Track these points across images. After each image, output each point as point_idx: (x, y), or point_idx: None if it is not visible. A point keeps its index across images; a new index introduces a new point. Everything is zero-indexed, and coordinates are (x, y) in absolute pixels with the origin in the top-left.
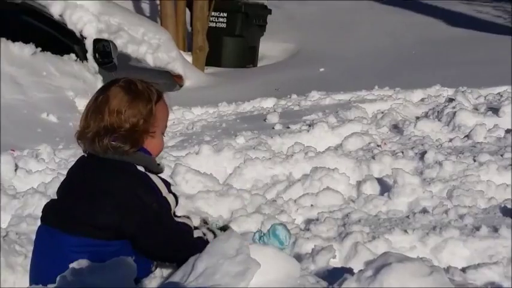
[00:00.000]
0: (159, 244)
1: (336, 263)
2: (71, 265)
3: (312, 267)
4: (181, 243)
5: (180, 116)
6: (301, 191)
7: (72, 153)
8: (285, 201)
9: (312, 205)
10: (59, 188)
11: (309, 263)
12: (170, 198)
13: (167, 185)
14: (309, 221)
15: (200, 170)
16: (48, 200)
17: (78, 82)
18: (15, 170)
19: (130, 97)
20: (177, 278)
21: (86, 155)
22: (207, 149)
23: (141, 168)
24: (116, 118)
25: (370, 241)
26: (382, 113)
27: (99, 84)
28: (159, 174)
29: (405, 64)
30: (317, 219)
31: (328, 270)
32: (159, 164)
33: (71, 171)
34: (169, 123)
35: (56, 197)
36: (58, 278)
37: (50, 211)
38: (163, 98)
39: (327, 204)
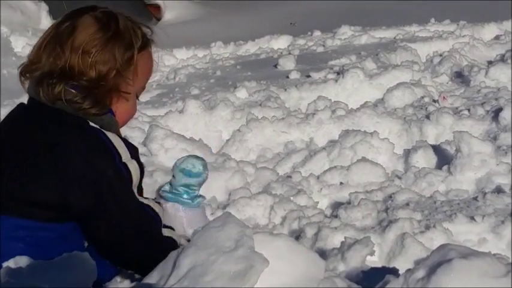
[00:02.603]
0: (111, 228)
1: (375, 261)
2: (6, 264)
3: (342, 267)
4: (142, 231)
5: (157, 61)
6: (327, 163)
7: (7, 112)
8: (303, 178)
9: (341, 183)
10: None
11: (337, 261)
12: (132, 166)
13: (132, 148)
14: (337, 205)
15: (185, 135)
16: None
17: (14, 13)
18: None
19: (106, 36)
20: (152, 280)
21: (24, 104)
22: (195, 105)
23: (94, 124)
24: (80, 59)
25: (423, 232)
26: (441, 55)
27: (44, 16)
28: None
29: None
30: (349, 203)
31: (364, 271)
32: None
33: (3, 125)
34: None
35: None
36: None
37: None
38: (150, 47)
39: (362, 181)
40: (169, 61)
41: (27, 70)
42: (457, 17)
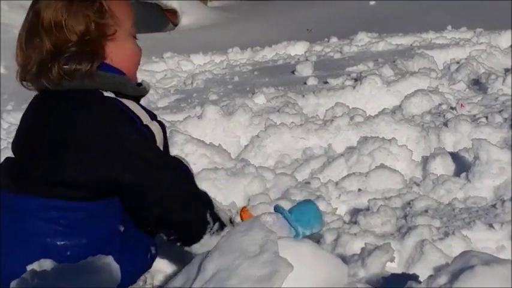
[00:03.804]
0: (151, 187)
1: (394, 268)
2: (31, 267)
3: (362, 273)
4: (181, 182)
5: (174, 67)
6: (345, 170)
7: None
8: (322, 184)
9: (360, 189)
10: (13, 142)
11: (357, 268)
12: (154, 127)
13: (150, 112)
14: (356, 211)
15: (205, 140)
16: (1, 161)
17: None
18: None
19: (66, 0)
20: (177, 283)
21: (38, 94)
22: (214, 111)
23: (109, 94)
24: (58, 34)
25: (442, 239)
26: (458, 63)
27: None
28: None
29: None
30: (367, 209)
31: (384, 277)
32: (140, 84)
33: (24, 118)
34: (160, 75)
35: (10, 156)
36: (16, 281)
37: (5, 173)
38: None
39: (381, 188)
40: (187, 66)
41: (24, 74)
42: (474, 25)
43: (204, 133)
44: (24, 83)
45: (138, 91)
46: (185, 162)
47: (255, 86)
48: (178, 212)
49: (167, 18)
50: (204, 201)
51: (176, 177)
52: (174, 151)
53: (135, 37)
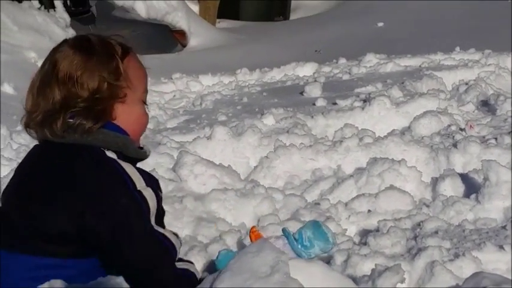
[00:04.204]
0: (126, 258)
1: None
2: (40, 287)
3: None
4: (156, 261)
5: (183, 88)
6: (355, 191)
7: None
8: (332, 205)
9: (369, 210)
10: (3, 192)
11: None
12: (147, 193)
13: (148, 177)
14: (365, 232)
15: (214, 161)
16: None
17: (42, 39)
18: None
19: (85, 56)
20: None
21: (39, 144)
22: (223, 132)
23: (111, 155)
24: (70, 87)
25: (452, 260)
26: (467, 84)
27: None
28: (144, 161)
29: (499, 17)
30: (377, 230)
31: None
32: (141, 148)
33: (19, 167)
34: (169, 96)
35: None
36: None
37: None
38: (133, 53)
39: (390, 209)
40: (195, 87)
41: (29, 121)
42: (482, 46)
43: (213, 154)
44: (28, 129)
45: (140, 154)
46: (173, 239)
47: (264, 106)
48: (146, 282)
49: (176, 39)
50: (177, 279)
51: (155, 256)
52: (183, 171)
53: (145, 103)
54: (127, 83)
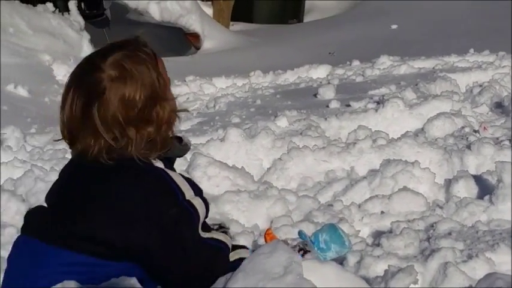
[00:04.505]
0: (178, 265)
1: None
2: (54, 287)
3: None
4: (210, 266)
5: (197, 90)
6: (368, 192)
7: (49, 140)
8: (345, 206)
9: (382, 212)
10: (48, 193)
11: None
12: (197, 202)
13: (195, 186)
14: (379, 234)
15: (227, 163)
16: (33, 207)
17: (56, 42)
18: None
19: (133, 90)
20: None
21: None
22: (236, 134)
23: (158, 164)
24: (129, 131)
25: (465, 261)
26: (481, 86)
27: (86, 45)
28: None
29: None
30: (390, 231)
31: None
32: (181, 141)
33: (65, 172)
34: (183, 98)
35: (43, 205)
36: None
37: (35, 219)
38: (151, 50)
39: (403, 210)
40: (209, 89)
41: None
42: (496, 48)
43: (226, 156)
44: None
45: (182, 151)
46: (221, 237)
47: (278, 109)
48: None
49: (189, 42)
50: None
51: (207, 262)
52: (197, 173)
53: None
54: (167, 90)
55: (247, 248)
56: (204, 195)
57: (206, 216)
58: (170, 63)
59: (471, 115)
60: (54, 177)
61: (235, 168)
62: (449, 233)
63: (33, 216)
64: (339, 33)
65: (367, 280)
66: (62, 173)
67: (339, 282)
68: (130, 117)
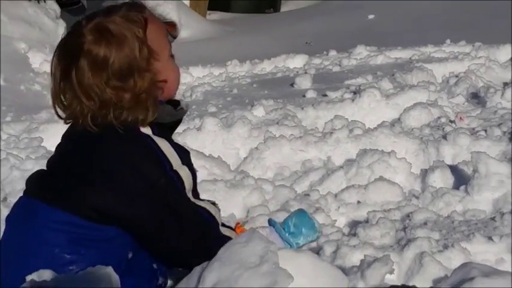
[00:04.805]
0: (170, 235)
1: (393, 280)
2: (30, 277)
3: (361, 285)
4: (201, 234)
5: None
6: (344, 182)
7: (25, 128)
8: (321, 196)
9: (359, 202)
10: (48, 161)
11: (356, 280)
12: (184, 172)
13: (182, 153)
14: (355, 223)
15: (204, 152)
16: (35, 171)
17: (32, 30)
18: None
19: (115, 51)
20: None
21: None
22: (213, 123)
23: (145, 130)
24: (106, 93)
25: (441, 251)
26: (457, 76)
27: (61, 33)
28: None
29: (490, 9)
30: (367, 221)
31: None
32: (177, 105)
33: (63, 137)
34: None
35: (43, 168)
36: None
37: (34, 182)
38: (150, 16)
39: (380, 200)
40: (186, 79)
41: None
42: (473, 39)
43: (203, 145)
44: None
45: (175, 115)
46: (212, 210)
47: (254, 98)
48: (195, 263)
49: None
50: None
51: (195, 228)
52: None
53: (172, 56)
54: (157, 57)
55: (234, 230)
56: None
57: (195, 184)
58: None
59: (447, 105)
60: (30, 165)
61: (212, 158)
62: (425, 223)
63: (34, 179)
64: (316, 23)
65: (343, 270)
66: (62, 137)
67: (315, 271)
68: (105, 82)
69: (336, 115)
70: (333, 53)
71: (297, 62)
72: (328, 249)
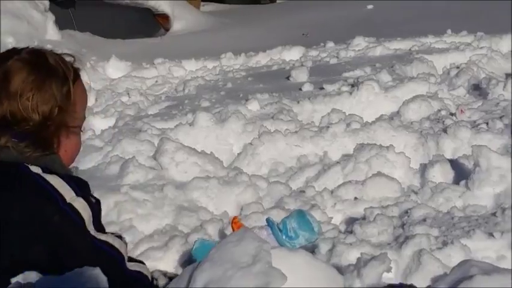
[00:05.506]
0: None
1: (391, 278)
2: (15, 279)
3: (358, 284)
4: (104, 270)
5: (165, 73)
6: (341, 178)
7: None
8: (317, 192)
9: (356, 198)
10: None
11: (353, 278)
12: (78, 204)
13: (77, 186)
14: (352, 220)
15: (196, 148)
16: None
17: (21, 24)
18: None
19: (40, 76)
20: None
21: None
22: (206, 118)
23: (35, 169)
24: (20, 105)
25: (440, 248)
26: (458, 68)
27: (50, 26)
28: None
29: None
30: (364, 218)
31: None
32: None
33: None
34: (151, 82)
35: None
36: None
37: None
38: (80, 76)
39: (378, 196)
40: (178, 72)
41: None
42: (474, 28)
43: (195, 141)
44: None
45: (67, 170)
46: (117, 244)
47: (249, 92)
48: None
49: (158, 23)
50: (131, 282)
51: (103, 267)
52: (164, 159)
53: (81, 128)
54: (75, 111)
55: (144, 264)
56: (172, 181)
57: (98, 216)
58: (138, 45)
59: (448, 98)
60: None
61: (204, 154)
62: (424, 220)
63: None
64: (313, 13)
65: (339, 268)
66: None
67: (309, 270)
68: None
69: (333, 109)
70: (330, 44)
71: (293, 54)
72: (324, 247)
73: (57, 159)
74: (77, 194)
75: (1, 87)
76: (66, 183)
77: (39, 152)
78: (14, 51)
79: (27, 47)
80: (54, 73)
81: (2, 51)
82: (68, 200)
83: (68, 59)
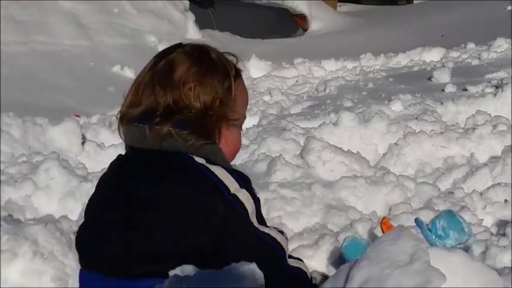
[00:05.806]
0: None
1: None
2: (173, 272)
3: None
4: (265, 262)
5: (305, 73)
6: (490, 180)
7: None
8: (466, 194)
9: (506, 200)
10: (89, 207)
11: (508, 282)
12: (242, 195)
13: (240, 179)
14: (503, 223)
15: (342, 148)
16: (78, 229)
17: (161, 23)
18: (83, 143)
19: (202, 68)
20: None
21: (122, 155)
22: (350, 118)
23: (199, 160)
24: (182, 93)
25: None
26: None
27: (191, 25)
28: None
29: None
30: None
31: None
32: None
33: (104, 181)
34: (291, 81)
35: (86, 221)
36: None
37: (87, 247)
38: (241, 76)
39: None
40: (318, 72)
41: (126, 114)
42: None
43: (340, 140)
44: (120, 126)
45: (228, 165)
46: (278, 238)
47: (391, 92)
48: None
49: (296, 24)
50: (291, 277)
51: (264, 259)
52: (311, 157)
53: (241, 127)
54: (235, 106)
55: (302, 261)
56: (319, 180)
57: (259, 210)
58: (277, 45)
59: None
60: None
61: (350, 153)
62: None
63: (82, 243)
64: (452, 14)
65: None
66: (102, 180)
67: (467, 271)
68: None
69: (478, 110)
70: (471, 45)
71: (433, 55)
72: (477, 250)
73: (219, 151)
74: (241, 186)
75: (165, 77)
76: (230, 174)
77: (201, 140)
78: (178, 45)
79: (191, 43)
80: (216, 68)
81: (167, 47)
82: (232, 190)
83: (230, 58)
